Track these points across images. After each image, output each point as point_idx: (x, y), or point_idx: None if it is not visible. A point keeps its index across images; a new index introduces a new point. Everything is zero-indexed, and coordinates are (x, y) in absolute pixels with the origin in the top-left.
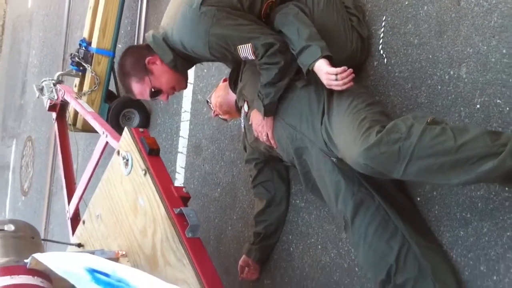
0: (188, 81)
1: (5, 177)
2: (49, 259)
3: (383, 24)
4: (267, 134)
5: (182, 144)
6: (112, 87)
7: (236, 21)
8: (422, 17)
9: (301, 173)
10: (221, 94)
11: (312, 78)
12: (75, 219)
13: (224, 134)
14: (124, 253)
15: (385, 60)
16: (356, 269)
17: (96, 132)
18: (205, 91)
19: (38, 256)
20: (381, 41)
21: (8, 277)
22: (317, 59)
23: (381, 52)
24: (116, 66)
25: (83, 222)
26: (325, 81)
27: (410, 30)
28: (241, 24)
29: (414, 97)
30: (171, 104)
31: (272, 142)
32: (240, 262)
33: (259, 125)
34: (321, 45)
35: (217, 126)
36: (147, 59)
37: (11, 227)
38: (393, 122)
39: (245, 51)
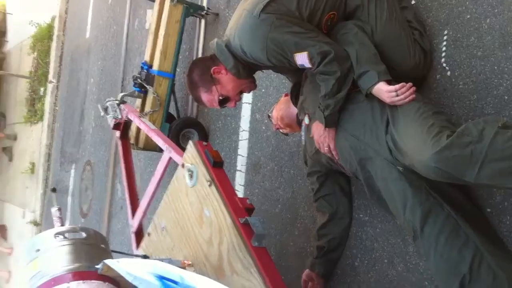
0: (246, 101)
1: (64, 201)
2: (119, 265)
3: (445, 38)
4: (329, 145)
5: (241, 162)
6: (171, 110)
7: (294, 28)
8: (485, 30)
9: (365, 184)
10: (282, 108)
11: None
12: (139, 233)
13: (283, 151)
14: (190, 262)
15: (448, 72)
16: (426, 282)
17: (156, 150)
18: (263, 109)
19: (109, 262)
20: (443, 54)
21: (81, 281)
22: (375, 84)
23: (444, 65)
24: (177, 85)
25: (148, 235)
26: (387, 100)
27: (473, 43)
28: (298, 31)
29: (480, 108)
30: (229, 123)
31: (334, 153)
32: (304, 277)
33: (321, 136)
34: (378, 70)
35: (276, 144)
36: (212, 69)
37: (83, 235)
38: (464, 125)
39: (302, 59)
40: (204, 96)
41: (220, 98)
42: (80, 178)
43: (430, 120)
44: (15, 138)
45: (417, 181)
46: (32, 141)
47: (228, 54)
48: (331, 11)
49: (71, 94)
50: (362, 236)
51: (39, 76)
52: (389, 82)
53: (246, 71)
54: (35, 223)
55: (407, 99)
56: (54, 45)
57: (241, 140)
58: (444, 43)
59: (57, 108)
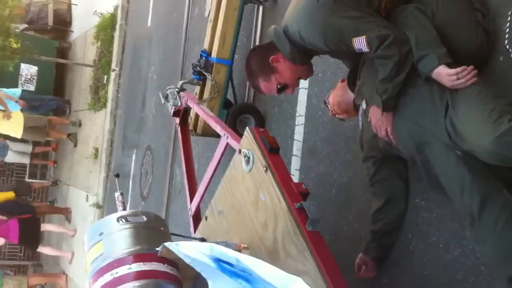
0: (303, 86)
1: (126, 185)
2: (178, 248)
3: (508, 19)
4: (386, 130)
5: (297, 147)
6: (229, 95)
7: (351, 12)
8: None
9: (423, 169)
10: (339, 93)
11: None
12: (197, 217)
13: (339, 136)
14: (246, 246)
15: None
16: (482, 267)
17: (214, 136)
18: (319, 95)
19: (168, 245)
20: (506, 35)
21: (141, 263)
22: (435, 68)
23: (507, 47)
24: (235, 72)
25: (206, 218)
26: (448, 84)
27: None
28: (356, 16)
29: None
30: (285, 109)
31: (391, 138)
32: (357, 260)
33: (378, 120)
34: (438, 53)
35: (332, 129)
36: (270, 58)
37: (143, 218)
38: None
39: (360, 43)
40: (263, 85)
41: (279, 86)
42: (140, 163)
43: (491, 105)
44: (79, 124)
45: (476, 165)
46: (96, 127)
47: (285, 40)
48: None
49: (133, 81)
50: (418, 220)
51: (102, 65)
52: (450, 66)
53: (303, 57)
54: (98, 206)
55: (468, 82)
56: (117, 34)
57: (298, 125)
58: (508, 24)
59: (119, 95)
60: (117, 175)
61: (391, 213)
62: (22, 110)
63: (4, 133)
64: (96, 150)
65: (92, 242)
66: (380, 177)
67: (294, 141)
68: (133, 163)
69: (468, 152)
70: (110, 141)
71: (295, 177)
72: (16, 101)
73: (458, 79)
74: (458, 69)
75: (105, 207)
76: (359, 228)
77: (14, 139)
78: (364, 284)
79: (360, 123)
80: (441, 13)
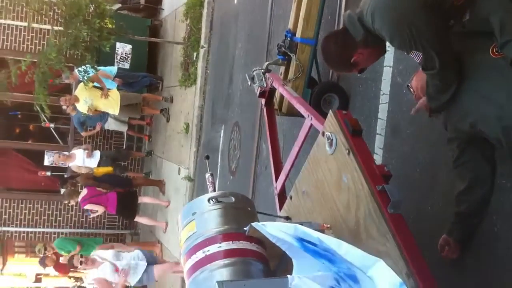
0: (387, 64)
1: (215, 159)
2: (264, 227)
3: None
4: None
5: (381, 126)
6: (313, 74)
7: (422, 26)
8: None
9: (509, 152)
10: (423, 77)
11: None
12: (282, 195)
13: (424, 115)
14: (329, 226)
15: None
16: None
17: (299, 116)
18: (404, 73)
19: (255, 225)
20: None
21: (230, 242)
22: None
23: None
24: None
25: (290, 198)
26: None
27: None
28: (423, 31)
29: None
30: (370, 87)
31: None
32: (440, 241)
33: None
34: None
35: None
36: (353, 58)
37: (232, 199)
38: None
39: (417, 55)
40: (344, 73)
41: (358, 72)
42: (229, 138)
43: None
44: (171, 100)
45: None
46: (187, 103)
47: (359, 27)
48: None
49: (221, 58)
50: (504, 202)
51: (192, 42)
52: None
53: (375, 39)
54: (189, 179)
55: None
56: (205, 11)
57: (382, 103)
58: None
59: (208, 72)
60: (207, 157)
61: (475, 195)
62: (118, 87)
63: (103, 110)
64: (187, 125)
65: (186, 221)
66: (464, 159)
67: (378, 120)
68: (221, 138)
69: None
70: (200, 117)
71: (379, 155)
72: (113, 80)
73: None
74: None
75: (196, 180)
76: (443, 209)
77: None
78: (447, 265)
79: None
80: None
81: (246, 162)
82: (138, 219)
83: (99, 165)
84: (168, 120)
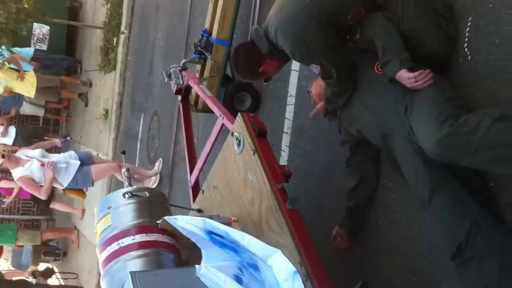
0: (294, 68)
1: (134, 147)
2: (176, 221)
3: (469, 24)
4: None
5: (287, 125)
6: (228, 72)
7: (316, 42)
8: (505, 20)
9: (386, 156)
10: (321, 85)
11: None
12: (196, 188)
13: (324, 118)
14: (236, 219)
15: (469, 57)
16: (434, 242)
17: (213, 113)
18: (308, 78)
19: (167, 218)
20: (466, 39)
21: (144, 234)
22: (397, 72)
23: (466, 50)
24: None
25: (203, 192)
26: (408, 85)
27: (492, 31)
28: (319, 46)
29: (494, 92)
30: (278, 88)
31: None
32: (333, 232)
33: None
34: (401, 59)
35: None
36: (261, 68)
37: (146, 194)
38: (464, 117)
39: (315, 67)
40: (251, 80)
41: (264, 81)
42: (148, 127)
43: (440, 108)
44: (90, 84)
45: (429, 158)
46: (106, 88)
47: (265, 41)
48: (359, 7)
49: (141, 46)
50: (386, 199)
51: (112, 27)
52: (412, 69)
53: (279, 53)
54: None
55: (426, 84)
56: None
57: (289, 104)
58: (468, 29)
59: (128, 58)
60: (123, 152)
61: (363, 192)
62: (34, 69)
63: (18, 92)
64: (106, 111)
65: (102, 215)
66: (354, 160)
67: (285, 120)
68: (141, 127)
69: None
70: (120, 103)
71: (285, 152)
72: (29, 62)
73: (416, 81)
74: (416, 73)
75: None
76: (338, 202)
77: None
78: (339, 253)
79: (338, 112)
80: (406, 21)
81: (164, 152)
82: (53, 205)
83: (14, 143)
84: (86, 105)
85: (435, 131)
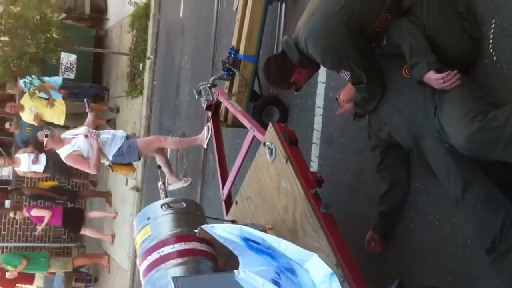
0: (321, 80)
1: (163, 169)
2: (213, 229)
3: (493, 26)
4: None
5: (316, 136)
6: (255, 87)
7: (345, 49)
8: None
9: (418, 157)
10: (349, 91)
11: None
12: (228, 201)
13: (353, 126)
14: (270, 226)
15: (494, 58)
16: (468, 241)
17: (243, 127)
18: (335, 88)
19: (205, 227)
20: (491, 41)
21: (183, 243)
22: (425, 73)
23: (491, 51)
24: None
25: (236, 203)
26: (436, 86)
27: None
28: (347, 54)
29: None
30: (306, 101)
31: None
32: (367, 237)
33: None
34: (428, 61)
35: (346, 119)
36: (293, 77)
37: (183, 205)
38: (493, 112)
39: (345, 74)
40: (283, 90)
41: (295, 90)
42: (176, 148)
43: (469, 105)
44: (117, 110)
45: (460, 156)
46: (133, 113)
47: (295, 51)
48: (385, 13)
49: (167, 70)
50: (417, 202)
51: (138, 53)
52: (439, 71)
53: (309, 61)
54: (137, 189)
55: (454, 85)
56: (151, 23)
57: (317, 116)
58: (492, 31)
59: (155, 83)
60: (159, 167)
61: (395, 196)
62: (63, 97)
63: (48, 120)
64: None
65: (141, 226)
66: (385, 164)
67: (314, 131)
68: (169, 149)
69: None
70: (147, 127)
71: (315, 163)
72: (58, 91)
73: (444, 82)
74: (444, 74)
75: (143, 190)
76: (369, 208)
77: (55, 126)
78: (373, 257)
79: (367, 118)
80: (432, 25)
81: (193, 171)
82: (84, 231)
83: (45, 170)
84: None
85: (465, 127)
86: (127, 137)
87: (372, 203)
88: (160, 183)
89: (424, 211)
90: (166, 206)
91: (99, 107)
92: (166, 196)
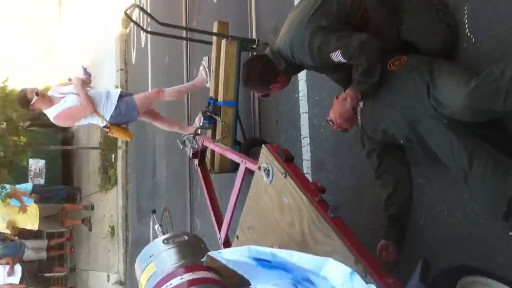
0: (303, 111)
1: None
2: (220, 255)
3: (466, 12)
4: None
5: (307, 166)
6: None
7: (330, 35)
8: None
9: (418, 144)
10: (337, 107)
11: (413, 65)
12: (227, 244)
13: (341, 144)
14: (277, 246)
15: (473, 39)
16: (482, 220)
17: (230, 172)
18: (319, 115)
19: (212, 254)
20: (466, 25)
21: (191, 273)
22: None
23: (469, 34)
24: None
25: (237, 238)
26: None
27: (490, 11)
28: (332, 36)
29: (505, 59)
30: (290, 135)
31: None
32: (378, 247)
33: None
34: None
35: (334, 140)
36: (271, 85)
37: (185, 238)
38: (487, 69)
39: (337, 56)
40: (258, 94)
41: (263, 95)
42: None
43: (462, 71)
44: (92, 207)
45: (459, 129)
46: (109, 206)
47: (280, 58)
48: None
49: (141, 153)
50: (422, 197)
51: (108, 144)
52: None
53: (294, 69)
54: (120, 283)
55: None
56: None
57: (304, 146)
58: (466, 16)
59: (128, 170)
60: (154, 211)
61: (401, 196)
62: (35, 202)
63: (21, 226)
64: (112, 228)
65: (144, 265)
66: (384, 167)
67: (303, 161)
68: (151, 230)
69: (451, 118)
70: (125, 216)
71: None
72: (30, 196)
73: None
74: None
75: (127, 283)
76: (373, 219)
77: (28, 236)
78: (386, 266)
79: (360, 122)
80: (406, 20)
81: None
82: None
83: (21, 281)
84: (90, 229)
85: (463, 89)
86: (121, 95)
87: (375, 214)
88: (157, 226)
89: (431, 204)
90: (167, 241)
91: (73, 207)
92: (165, 233)
